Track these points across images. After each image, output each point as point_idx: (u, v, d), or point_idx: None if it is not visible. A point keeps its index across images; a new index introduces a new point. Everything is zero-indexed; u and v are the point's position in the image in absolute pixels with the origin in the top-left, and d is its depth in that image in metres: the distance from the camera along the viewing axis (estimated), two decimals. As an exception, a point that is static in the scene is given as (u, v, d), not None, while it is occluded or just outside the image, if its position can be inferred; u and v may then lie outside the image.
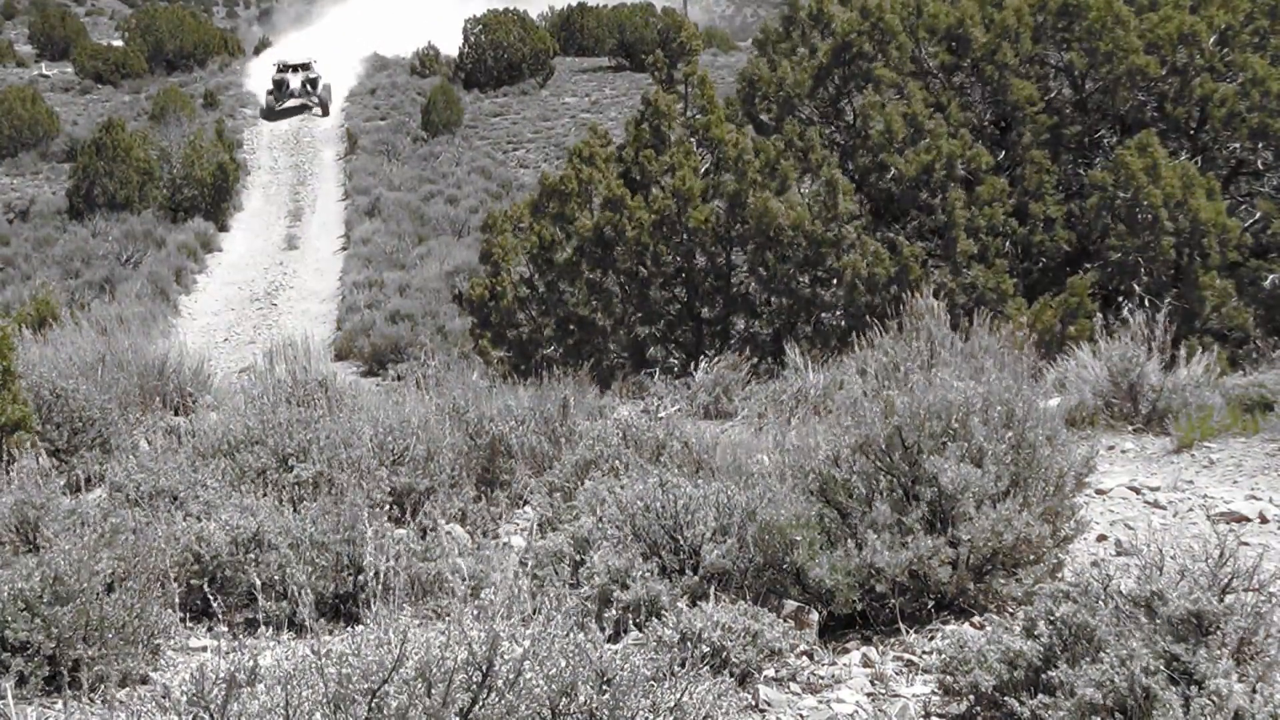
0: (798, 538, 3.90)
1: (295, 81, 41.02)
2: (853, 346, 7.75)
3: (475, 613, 3.02)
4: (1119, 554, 4.65)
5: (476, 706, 2.44)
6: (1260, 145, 11.67)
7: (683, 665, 2.84)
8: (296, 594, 3.97)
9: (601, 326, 12.43)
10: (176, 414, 7.19)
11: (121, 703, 3.45)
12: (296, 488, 4.90)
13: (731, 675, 3.40)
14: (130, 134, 30.83)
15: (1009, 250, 11.42)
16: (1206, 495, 5.53)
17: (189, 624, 4.13)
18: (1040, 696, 2.95)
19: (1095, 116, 12.03)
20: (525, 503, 5.50)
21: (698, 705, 2.73)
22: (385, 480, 4.87)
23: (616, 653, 2.72)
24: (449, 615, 3.56)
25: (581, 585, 3.88)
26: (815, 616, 3.87)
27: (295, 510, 4.56)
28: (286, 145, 38.27)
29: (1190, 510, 5.31)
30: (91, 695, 3.41)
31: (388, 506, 4.75)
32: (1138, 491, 5.62)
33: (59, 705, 3.42)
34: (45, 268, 25.17)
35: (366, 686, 2.39)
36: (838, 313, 11.24)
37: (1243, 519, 5.10)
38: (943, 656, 3.33)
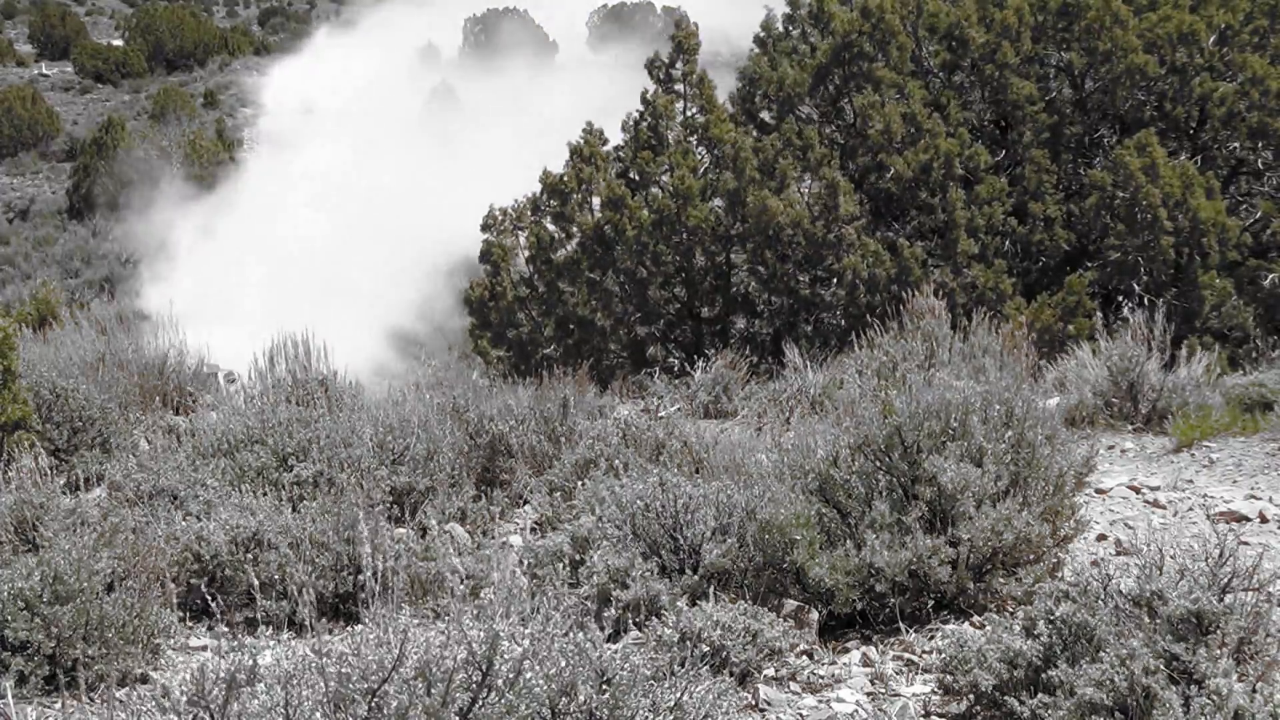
0: (797, 537, 3.90)
1: None
2: (853, 346, 7.75)
3: (475, 612, 3.02)
4: (1119, 553, 4.65)
5: (476, 706, 2.44)
6: (1260, 145, 11.66)
7: (682, 665, 2.84)
8: (296, 594, 3.97)
9: (601, 326, 12.43)
10: (176, 413, 7.19)
11: (121, 702, 3.44)
12: (296, 487, 4.90)
13: (731, 675, 3.40)
14: (130, 134, 30.85)
15: (1009, 250, 11.42)
16: (1206, 494, 5.53)
17: (189, 624, 4.13)
18: (1040, 696, 2.95)
19: (1095, 116, 12.02)
20: (525, 502, 5.51)
21: (697, 705, 2.73)
22: (385, 480, 4.88)
23: (616, 652, 2.72)
24: (449, 615, 3.56)
25: (581, 585, 3.88)
26: (815, 616, 3.87)
27: (295, 510, 4.55)
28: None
29: (1190, 510, 5.31)
30: (91, 695, 3.40)
31: (388, 506, 4.76)
32: (1138, 491, 5.62)
33: (59, 705, 3.42)
34: (45, 267, 25.19)
35: (366, 686, 2.38)
36: (837, 312, 11.23)
37: (1242, 518, 5.10)
38: (943, 656, 3.33)
